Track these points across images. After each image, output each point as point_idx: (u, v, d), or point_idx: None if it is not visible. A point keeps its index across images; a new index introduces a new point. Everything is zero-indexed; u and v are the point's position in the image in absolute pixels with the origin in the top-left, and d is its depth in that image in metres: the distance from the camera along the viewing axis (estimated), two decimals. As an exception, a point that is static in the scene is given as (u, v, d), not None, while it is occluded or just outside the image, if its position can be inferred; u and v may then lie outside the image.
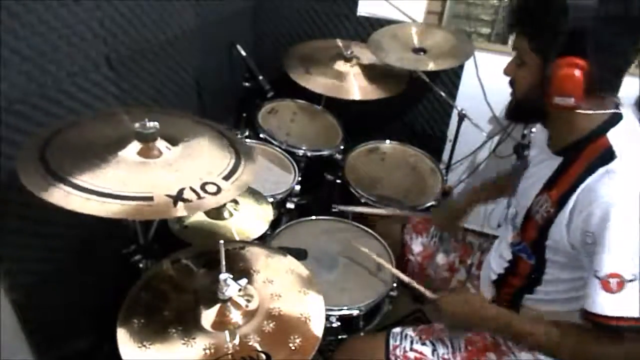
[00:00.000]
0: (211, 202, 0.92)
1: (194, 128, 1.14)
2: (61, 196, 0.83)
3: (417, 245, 1.48)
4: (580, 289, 0.97)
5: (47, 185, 0.84)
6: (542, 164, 1.09)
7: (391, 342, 1.19)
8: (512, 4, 1.01)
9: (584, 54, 0.88)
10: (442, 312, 1.14)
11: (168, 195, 0.88)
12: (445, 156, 2.19)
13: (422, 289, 1.23)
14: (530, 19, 0.96)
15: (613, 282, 0.88)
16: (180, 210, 0.87)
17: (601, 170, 0.92)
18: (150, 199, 0.87)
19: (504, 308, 1.10)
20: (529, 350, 1.10)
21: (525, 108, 1.05)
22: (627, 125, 0.97)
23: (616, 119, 0.96)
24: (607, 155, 0.93)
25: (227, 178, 0.98)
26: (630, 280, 0.87)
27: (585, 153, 0.96)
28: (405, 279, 1.28)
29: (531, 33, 0.96)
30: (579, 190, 0.94)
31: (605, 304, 0.89)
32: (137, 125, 0.99)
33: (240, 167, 1.03)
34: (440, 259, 1.45)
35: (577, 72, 0.89)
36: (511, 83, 1.05)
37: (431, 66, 1.82)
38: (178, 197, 0.88)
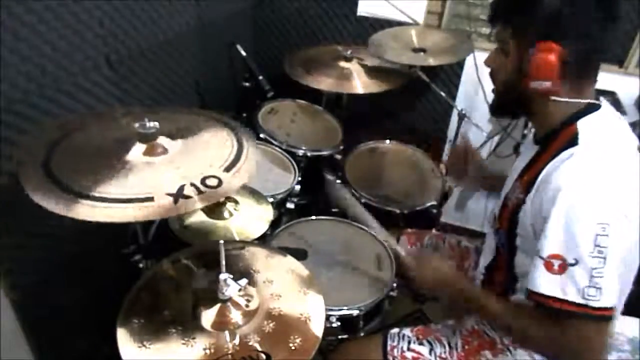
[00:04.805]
0: (213, 196, 0.89)
1: (194, 120, 1.12)
2: (85, 211, 0.82)
3: None
4: None
5: (68, 203, 0.82)
6: (524, 153, 1.10)
7: (389, 342, 1.19)
8: None
9: (558, 38, 0.91)
10: (416, 271, 1.19)
11: (168, 194, 0.86)
12: (445, 156, 2.19)
13: (398, 248, 1.31)
14: (512, 7, 0.99)
15: (555, 263, 0.89)
16: (183, 206, 0.86)
17: (561, 156, 0.94)
18: (151, 199, 0.85)
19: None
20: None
21: (505, 99, 1.07)
22: (601, 115, 0.97)
23: (592, 109, 0.97)
24: (572, 142, 0.94)
25: (228, 169, 0.95)
26: (572, 264, 0.88)
27: (557, 140, 0.98)
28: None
29: (512, 21, 0.99)
30: (541, 175, 0.96)
31: (545, 284, 0.90)
32: (137, 125, 0.98)
33: (243, 155, 1.00)
34: None
35: (552, 57, 0.91)
36: (491, 74, 1.07)
37: (430, 61, 1.82)
38: (179, 195, 0.87)
